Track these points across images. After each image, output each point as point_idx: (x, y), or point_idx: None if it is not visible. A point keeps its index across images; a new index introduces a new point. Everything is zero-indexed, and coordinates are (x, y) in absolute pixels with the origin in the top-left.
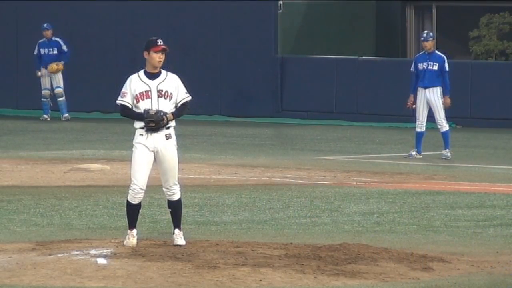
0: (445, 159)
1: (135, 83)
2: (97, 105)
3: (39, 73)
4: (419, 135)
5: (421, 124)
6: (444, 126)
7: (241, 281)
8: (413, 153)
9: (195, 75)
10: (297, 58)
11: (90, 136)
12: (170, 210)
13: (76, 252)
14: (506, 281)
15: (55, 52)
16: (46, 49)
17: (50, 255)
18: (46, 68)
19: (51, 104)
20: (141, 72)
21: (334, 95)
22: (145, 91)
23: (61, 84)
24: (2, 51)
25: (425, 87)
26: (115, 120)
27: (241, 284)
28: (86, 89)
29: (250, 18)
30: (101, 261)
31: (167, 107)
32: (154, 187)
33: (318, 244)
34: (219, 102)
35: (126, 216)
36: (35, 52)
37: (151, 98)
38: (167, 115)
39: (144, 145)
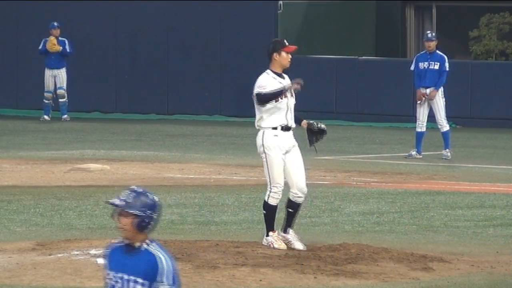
0: (445, 159)
1: (272, 81)
2: (97, 105)
3: (48, 73)
4: (419, 135)
5: (421, 124)
6: (445, 126)
7: (241, 281)
8: (413, 153)
9: (195, 75)
10: (297, 58)
11: (90, 136)
12: (290, 210)
13: (76, 252)
14: (506, 281)
15: (62, 50)
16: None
17: (50, 255)
18: (50, 67)
19: (53, 105)
20: (270, 72)
21: (334, 95)
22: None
23: (65, 85)
24: (2, 51)
25: (427, 87)
26: (115, 120)
27: (241, 284)
28: (86, 89)
29: (250, 18)
30: (101, 261)
31: (292, 104)
32: (154, 187)
33: (318, 244)
34: (219, 102)
35: (265, 220)
36: (40, 47)
37: (287, 97)
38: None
39: (280, 146)
